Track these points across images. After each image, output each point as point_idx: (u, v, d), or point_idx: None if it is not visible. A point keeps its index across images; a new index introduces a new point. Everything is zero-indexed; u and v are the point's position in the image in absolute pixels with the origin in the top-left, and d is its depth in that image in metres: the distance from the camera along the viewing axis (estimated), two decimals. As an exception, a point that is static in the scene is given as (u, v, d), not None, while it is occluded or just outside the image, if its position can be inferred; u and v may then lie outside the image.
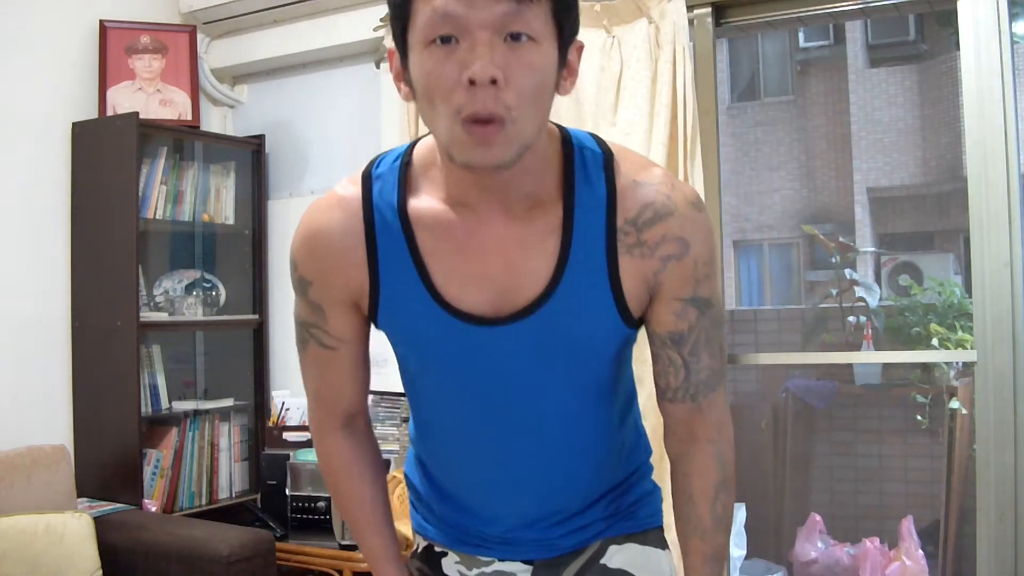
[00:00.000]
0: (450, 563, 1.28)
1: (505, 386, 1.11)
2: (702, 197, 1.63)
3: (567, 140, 1.07)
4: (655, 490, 1.30)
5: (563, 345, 1.08)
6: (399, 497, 2.49)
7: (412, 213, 1.07)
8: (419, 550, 1.32)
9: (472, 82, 0.92)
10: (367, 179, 1.11)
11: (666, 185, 1.06)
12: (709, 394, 1.13)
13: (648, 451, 1.31)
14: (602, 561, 1.23)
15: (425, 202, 1.07)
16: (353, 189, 1.12)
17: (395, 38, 1.00)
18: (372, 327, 1.19)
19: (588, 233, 1.03)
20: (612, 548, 1.24)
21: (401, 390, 2.38)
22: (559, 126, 1.09)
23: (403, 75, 1.01)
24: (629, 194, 1.04)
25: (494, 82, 0.92)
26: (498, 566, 1.25)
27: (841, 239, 6.09)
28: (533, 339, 1.06)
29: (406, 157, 1.10)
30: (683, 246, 1.05)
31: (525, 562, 1.25)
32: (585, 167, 1.05)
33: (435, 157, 1.06)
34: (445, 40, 0.93)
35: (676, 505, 1.18)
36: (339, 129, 3.45)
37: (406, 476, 1.33)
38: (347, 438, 1.23)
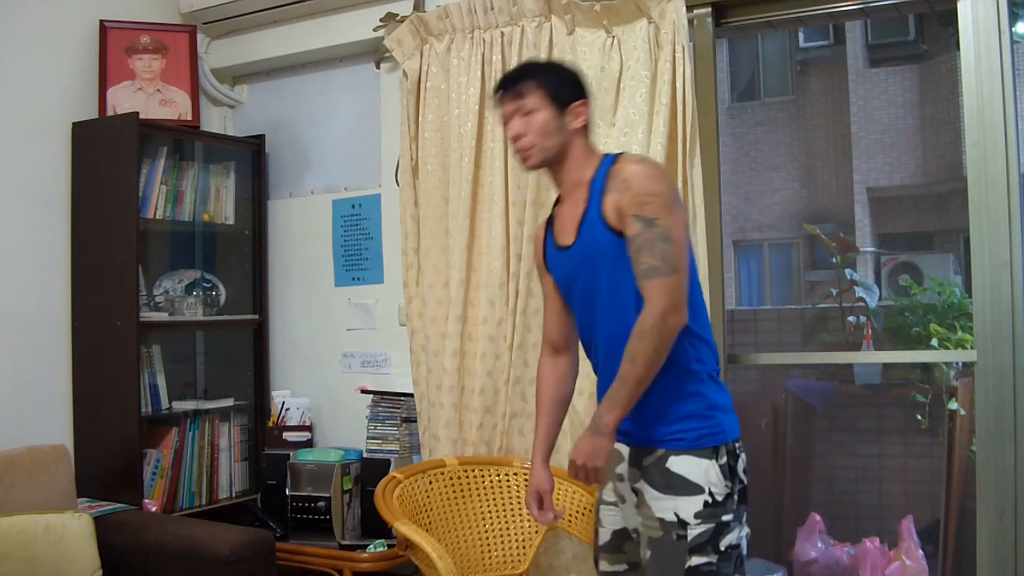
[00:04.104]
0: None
1: (574, 286, 2.04)
2: (701, 197, 2.63)
3: (604, 157, 2.04)
4: (707, 423, 1.92)
5: (585, 255, 1.98)
6: (398, 498, 2.49)
7: (558, 205, 2.12)
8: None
9: (512, 138, 2.04)
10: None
11: (629, 156, 2.01)
12: (647, 280, 1.85)
13: (698, 404, 1.93)
14: (667, 465, 1.91)
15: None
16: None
17: None
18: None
19: (595, 193, 1.97)
20: (672, 458, 1.91)
21: (401, 390, 2.77)
22: (605, 153, 2.06)
23: None
24: (613, 167, 1.97)
25: (517, 136, 2.01)
26: (618, 446, 1.99)
27: (842, 235, 6.09)
28: (576, 254, 2.01)
29: None
30: (627, 183, 1.90)
31: (627, 444, 2.00)
32: (603, 165, 2.01)
33: None
34: (505, 123, 2.06)
35: None
36: (339, 129, 3.45)
37: None
38: (549, 360, 2.20)
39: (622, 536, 2.05)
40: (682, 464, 1.90)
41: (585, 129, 2.04)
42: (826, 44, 9.44)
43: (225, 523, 2.79)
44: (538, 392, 2.21)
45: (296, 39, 3.39)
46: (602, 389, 1.98)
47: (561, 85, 2.02)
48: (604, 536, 2.09)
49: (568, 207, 2.04)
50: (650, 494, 1.93)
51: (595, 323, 2.01)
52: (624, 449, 2.00)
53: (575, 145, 2.01)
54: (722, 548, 1.88)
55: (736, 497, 1.92)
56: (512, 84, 2.02)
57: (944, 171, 8.23)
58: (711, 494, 1.88)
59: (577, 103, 2.01)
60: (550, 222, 2.13)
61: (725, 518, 1.89)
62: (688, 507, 1.88)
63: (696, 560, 1.87)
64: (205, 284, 3.41)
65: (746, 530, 1.94)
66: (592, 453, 1.87)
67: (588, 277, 1.98)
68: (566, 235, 2.03)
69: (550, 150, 1.99)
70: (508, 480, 2.72)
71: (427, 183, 2.98)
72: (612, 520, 2.07)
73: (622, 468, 2.01)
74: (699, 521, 1.87)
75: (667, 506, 1.90)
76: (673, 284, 1.83)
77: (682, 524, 1.88)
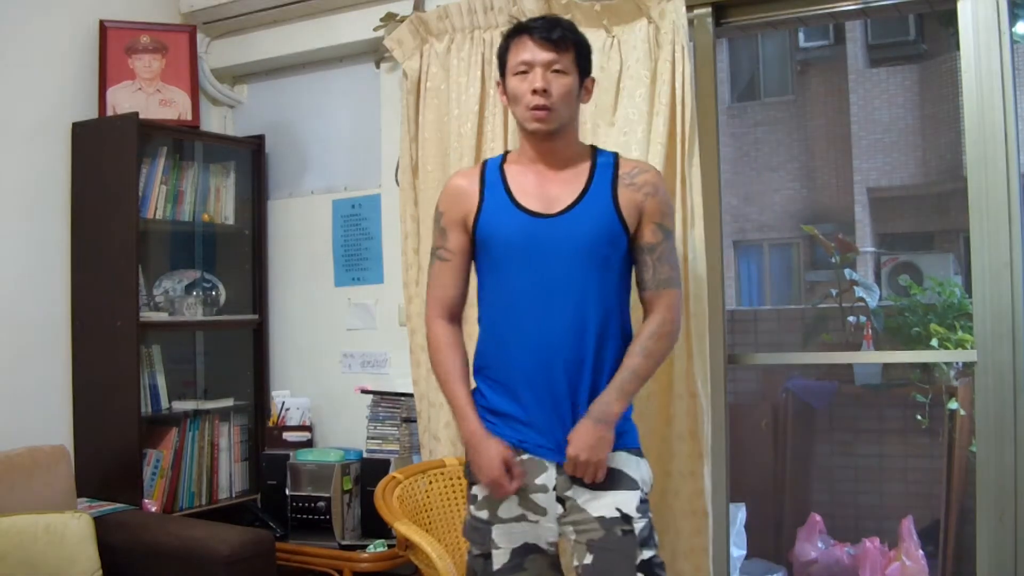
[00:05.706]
0: None
1: (544, 256, 1.89)
2: (699, 196, 2.60)
3: (595, 147, 2.05)
4: (634, 430, 1.99)
5: (579, 229, 1.90)
6: (398, 498, 2.49)
7: (506, 167, 2.01)
8: None
9: (535, 91, 1.88)
10: (483, 163, 2.06)
11: (645, 164, 2.06)
12: (666, 288, 1.94)
13: (629, 406, 1.94)
14: (607, 463, 1.86)
15: (514, 163, 2.02)
16: (474, 167, 2.07)
17: (499, 70, 1.99)
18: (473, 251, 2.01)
19: (601, 178, 1.95)
20: (612, 456, 1.87)
21: (401, 390, 2.74)
22: (593, 146, 2.08)
23: (503, 89, 1.99)
24: (626, 166, 1.99)
25: (545, 91, 1.88)
26: (538, 459, 1.90)
27: (841, 236, 6.08)
28: (563, 226, 1.90)
29: (506, 153, 2.08)
30: (655, 188, 1.96)
31: (554, 461, 1.89)
32: (603, 155, 2.01)
33: (522, 149, 2.01)
34: (523, 72, 1.91)
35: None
36: (339, 129, 3.45)
37: (478, 393, 1.97)
38: (445, 326, 2.01)
39: (523, 552, 1.91)
40: (621, 461, 1.90)
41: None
42: (826, 44, 9.45)
43: (225, 523, 2.79)
44: (447, 358, 1.97)
45: (296, 39, 3.39)
46: (530, 366, 1.87)
47: (588, 56, 1.97)
48: (501, 559, 1.91)
49: (550, 176, 1.94)
50: (585, 496, 1.87)
51: (548, 298, 1.88)
52: (548, 462, 1.90)
53: (576, 120, 2.00)
54: (657, 543, 1.91)
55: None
56: (555, 33, 1.89)
57: (944, 171, 8.24)
58: (642, 491, 1.91)
59: (589, 79, 2.00)
60: (494, 181, 1.98)
61: (650, 515, 1.92)
62: (629, 501, 1.87)
63: (647, 553, 1.86)
64: (205, 284, 3.41)
65: None
66: (597, 445, 1.81)
67: (566, 251, 1.88)
68: (546, 202, 1.92)
69: (564, 119, 1.92)
70: (508, 480, 2.72)
71: (427, 183, 2.98)
72: (510, 539, 1.91)
73: (545, 479, 1.89)
74: (640, 515, 1.87)
75: (608, 502, 1.86)
76: (681, 297, 2.00)
77: (626, 519, 1.85)
